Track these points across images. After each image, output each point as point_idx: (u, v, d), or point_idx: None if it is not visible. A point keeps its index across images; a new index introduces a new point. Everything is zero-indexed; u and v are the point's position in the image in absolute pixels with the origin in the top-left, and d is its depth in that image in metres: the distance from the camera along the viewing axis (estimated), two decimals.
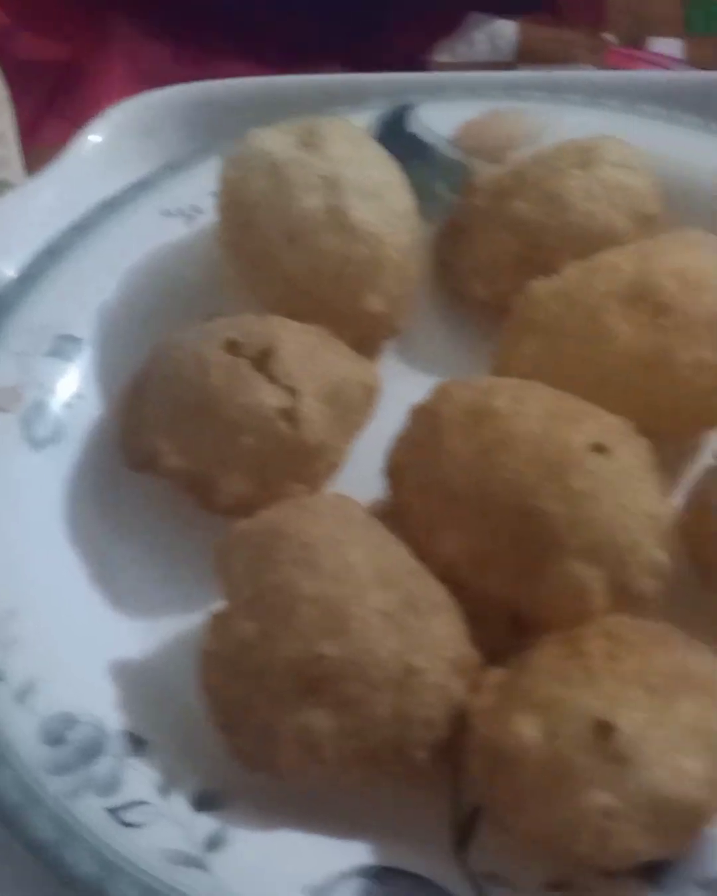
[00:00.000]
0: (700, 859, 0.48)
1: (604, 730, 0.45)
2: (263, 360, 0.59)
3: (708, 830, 0.48)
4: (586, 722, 0.46)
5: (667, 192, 0.70)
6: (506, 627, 0.55)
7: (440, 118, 0.77)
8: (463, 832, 0.51)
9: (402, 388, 0.63)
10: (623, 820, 0.44)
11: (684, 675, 0.48)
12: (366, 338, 0.67)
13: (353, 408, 0.61)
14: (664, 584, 0.54)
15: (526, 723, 0.47)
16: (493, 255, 0.69)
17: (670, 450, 0.60)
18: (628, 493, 0.54)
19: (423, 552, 0.55)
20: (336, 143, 0.66)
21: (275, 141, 0.66)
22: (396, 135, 0.76)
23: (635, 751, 0.45)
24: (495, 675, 0.51)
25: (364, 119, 0.76)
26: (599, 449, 0.54)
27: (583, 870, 0.47)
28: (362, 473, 0.60)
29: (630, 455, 0.55)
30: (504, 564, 0.54)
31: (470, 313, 0.70)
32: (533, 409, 0.56)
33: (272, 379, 0.59)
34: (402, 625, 0.51)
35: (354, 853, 0.49)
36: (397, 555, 0.54)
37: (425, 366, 0.68)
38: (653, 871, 0.47)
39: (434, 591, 0.53)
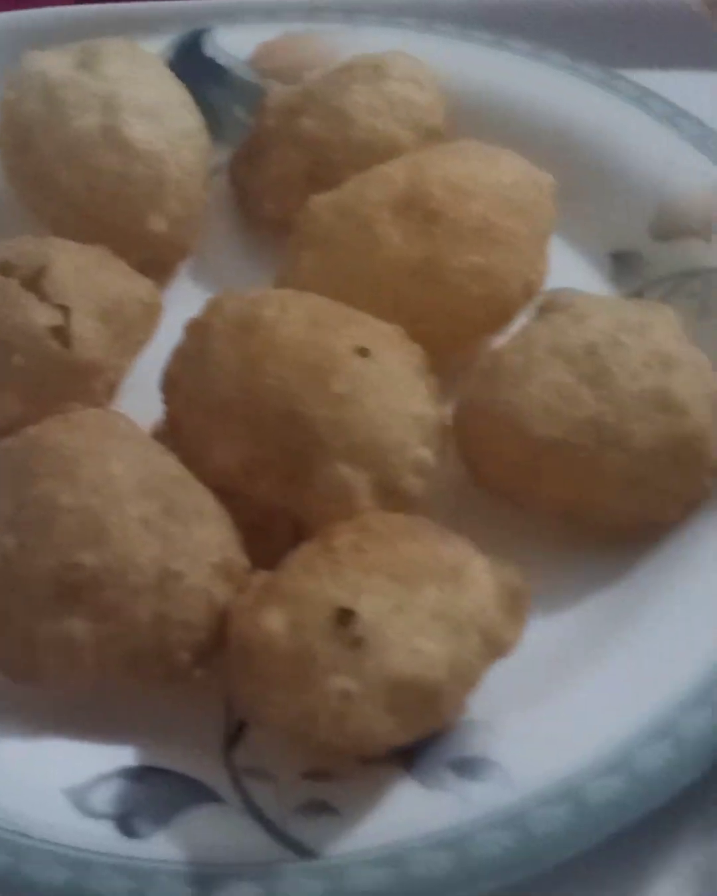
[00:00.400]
0: (452, 742, 0.49)
1: (344, 617, 0.46)
2: (35, 280, 0.59)
3: (458, 714, 0.49)
4: (328, 610, 0.46)
5: (457, 106, 0.70)
6: (289, 536, 0.56)
7: (237, 41, 0.76)
8: (235, 733, 0.51)
9: (196, 309, 0.62)
10: (361, 702, 0.45)
11: (430, 563, 0.48)
12: (156, 259, 0.67)
13: (132, 326, 0.61)
14: (430, 483, 0.55)
15: (272, 615, 0.47)
16: (282, 173, 0.69)
17: (456, 357, 0.62)
18: (392, 395, 0.55)
19: (197, 464, 0.55)
20: (113, 63, 0.66)
21: (51, 62, 0.66)
22: (192, 59, 0.76)
23: (374, 635, 0.46)
24: (260, 576, 0.51)
25: (161, 44, 0.76)
26: (362, 353, 0.55)
27: (340, 758, 0.48)
28: (151, 392, 0.60)
29: (396, 359, 0.56)
30: (274, 471, 0.54)
31: (264, 233, 0.70)
32: (299, 317, 0.56)
33: (44, 298, 0.58)
34: (163, 532, 0.51)
35: (119, 756, 0.50)
36: (162, 465, 0.54)
37: (219, 286, 0.68)
38: (407, 755, 0.48)
39: (200, 499, 0.53)
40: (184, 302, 0.65)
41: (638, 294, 0.66)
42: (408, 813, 0.47)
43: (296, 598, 0.48)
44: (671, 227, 0.67)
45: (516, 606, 0.50)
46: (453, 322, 0.61)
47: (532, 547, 0.56)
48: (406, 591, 0.47)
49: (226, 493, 0.55)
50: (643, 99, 0.71)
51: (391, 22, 0.76)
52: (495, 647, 0.48)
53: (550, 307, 0.59)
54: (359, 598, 0.47)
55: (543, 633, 0.53)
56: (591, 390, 0.55)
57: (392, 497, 0.54)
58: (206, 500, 0.53)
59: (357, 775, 0.48)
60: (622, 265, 0.68)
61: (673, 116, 0.71)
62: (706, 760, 0.48)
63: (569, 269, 0.67)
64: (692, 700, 0.49)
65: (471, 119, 0.71)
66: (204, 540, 0.52)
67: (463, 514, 0.56)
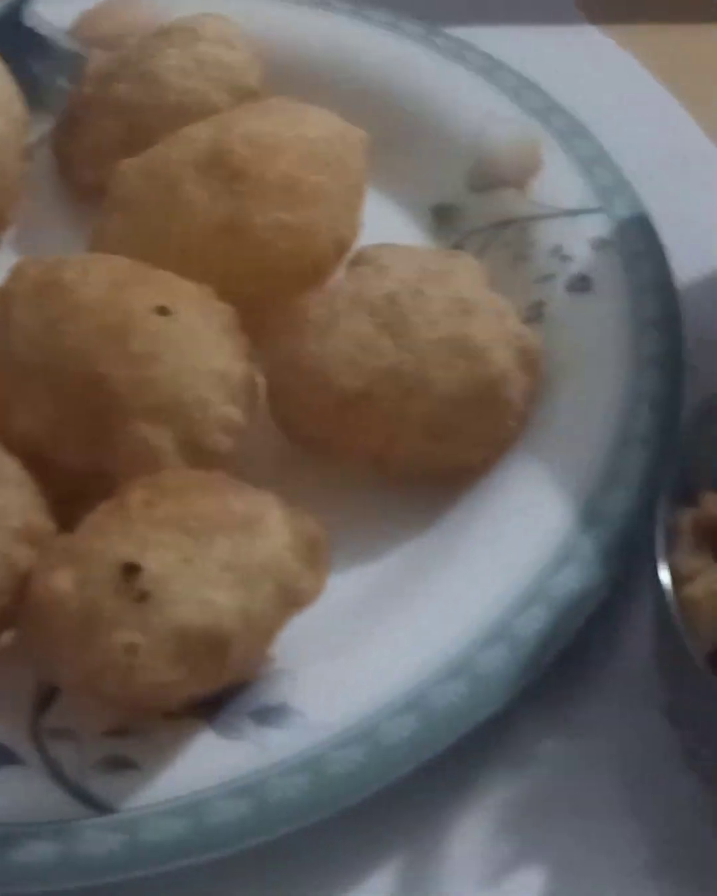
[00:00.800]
0: (254, 692, 0.49)
1: (130, 572, 0.46)
2: None
3: (261, 665, 0.49)
4: (114, 566, 0.46)
5: (275, 66, 0.70)
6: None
7: (57, 10, 0.76)
8: (46, 697, 0.51)
9: None
10: (147, 655, 0.45)
11: (222, 516, 0.48)
12: None
13: None
14: (239, 440, 0.55)
15: (62, 575, 0.47)
16: (99, 141, 0.68)
17: (272, 317, 0.61)
18: (194, 353, 0.54)
19: (5, 432, 0.55)
20: None
21: None
22: (12, 29, 0.75)
23: (159, 588, 0.46)
24: (62, 539, 0.51)
25: None
26: (162, 312, 0.55)
27: (143, 714, 0.48)
28: None
29: (199, 317, 0.56)
30: (78, 434, 0.54)
31: (86, 202, 0.69)
32: (100, 279, 0.56)
33: None
34: None
35: None
36: None
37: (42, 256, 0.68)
38: (210, 707, 0.49)
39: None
40: (4, 273, 0.65)
41: (458, 246, 0.66)
42: (207, 763, 0.47)
43: (85, 556, 0.48)
44: (487, 178, 0.67)
45: (315, 556, 0.50)
46: (263, 280, 0.60)
47: (345, 498, 0.56)
48: (196, 543, 0.47)
49: (37, 460, 0.55)
50: (462, 53, 0.72)
51: None
52: (293, 597, 0.49)
53: (358, 260, 0.59)
54: (145, 552, 0.47)
55: (351, 582, 0.53)
56: (392, 340, 0.55)
57: (200, 455, 0.54)
58: (6, 466, 0.53)
59: (158, 730, 0.48)
60: (442, 218, 0.68)
61: (491, 69, 0.71)
62: (500, 696, 0.48)
63: (391, 225, 0.67)
64: (486, 638, 0.49)
65: (289, 79, 0.70)
66: (3, 505, 0.51)
67: (277, 470, 0.57)
